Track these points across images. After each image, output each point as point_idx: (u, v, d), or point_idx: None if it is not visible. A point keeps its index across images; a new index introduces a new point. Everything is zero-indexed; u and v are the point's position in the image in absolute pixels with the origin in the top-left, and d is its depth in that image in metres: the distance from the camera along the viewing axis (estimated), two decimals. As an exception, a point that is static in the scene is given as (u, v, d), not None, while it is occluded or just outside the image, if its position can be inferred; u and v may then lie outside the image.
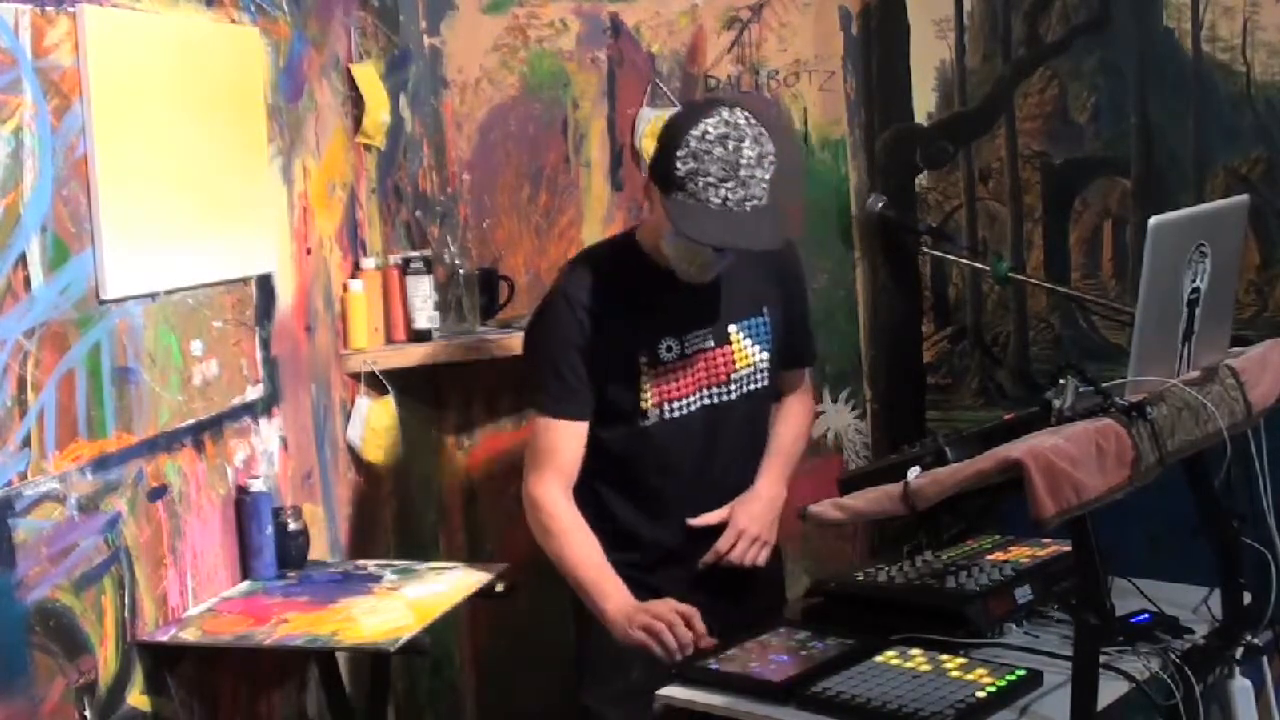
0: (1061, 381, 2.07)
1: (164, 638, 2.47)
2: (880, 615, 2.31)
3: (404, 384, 3.33)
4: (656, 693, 2.22)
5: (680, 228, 2.39)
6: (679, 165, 2.37)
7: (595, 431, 2.60)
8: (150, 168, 2.50)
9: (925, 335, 3.72)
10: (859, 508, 2.13)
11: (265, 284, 2.90)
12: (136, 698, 2.43)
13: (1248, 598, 2.30)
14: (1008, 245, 3.60)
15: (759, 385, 2.67)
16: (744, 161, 2.36)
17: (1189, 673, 2.11)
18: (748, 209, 2.36)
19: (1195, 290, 2.12)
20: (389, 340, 3.32)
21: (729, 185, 2.35)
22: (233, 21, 2.82)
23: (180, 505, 2.58)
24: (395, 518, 3.40)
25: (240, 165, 2.80)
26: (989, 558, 2.50)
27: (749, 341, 2.64)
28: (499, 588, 2.82)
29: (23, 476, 2.17)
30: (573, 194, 3.54)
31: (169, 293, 2.57)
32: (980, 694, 2.02)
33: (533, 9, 3.51)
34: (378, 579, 2.79)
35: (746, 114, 2.41)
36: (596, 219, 3.56)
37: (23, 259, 2.18)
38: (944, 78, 3.65)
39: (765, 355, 2.66)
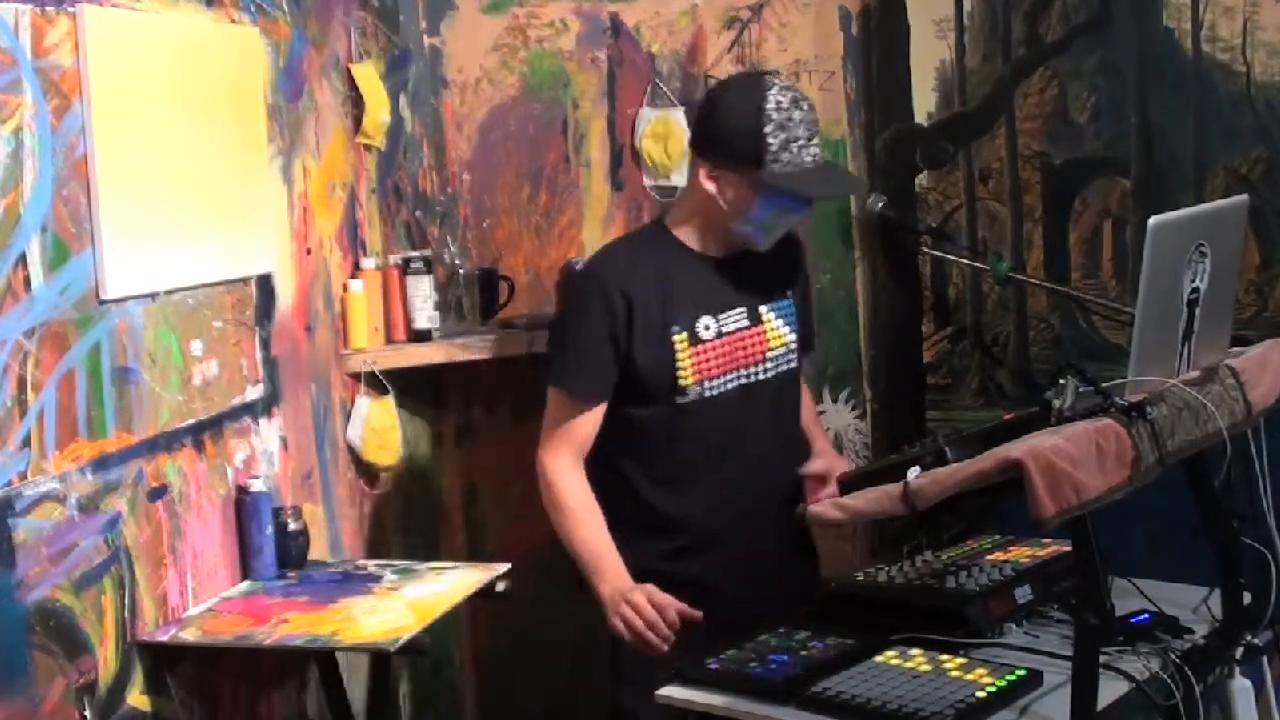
0: (1061, 381, 2.07)
1: (164, 638, 2.47)
2: (880, 615, 2.31)
3: (404, 384, 3.33)
4: (656, 693, 2.22)
5: (803, 190, 2.57)
6: (770, 140, 2.51)
7: (629, 411, 2.64)
8: (150, 168, 2.50)
9: (925, 335, 3.72)
10: (859, 508, 2.14)
11: (265, 284, 2.90)
12: (136, 698, 2.43)
13: (1248, 598, 2.30)
14: (1008, 245, 3.60)
15: (790, 365, 2.74)
16: (816, 119, 2.59)
17: (1189, 673, 2.11)
18: (826, 161, 2.65)
19: (1195, 290, 2.12)
20: (389, 340, 3.32)
21: (815, 143, 2.57)
22: (233, 21, 2.82)
23: (180, 505, 2.58)
24: (395, 518, 3.40)
25: (240, 165, 2.80)
26: (989, 558, 2.50)
27: (780, 322, 2.72)
28: (499, 588, 2.82)
29: (23, 476, 2.17)
30: (573, 194, 3.54)
31: (169, 293, 2.57)
32: (980, 694, 2.03)
33: (533, 9, 3.50)
34: (378, 579, 2.79)
35: (786, 81, 2.63)
36: (596, 219, 3.56)
37: (23, 259, 2.18)
38: (944, 78, 3.65)
39: (793, 336, 2.74)
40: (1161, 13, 3.34)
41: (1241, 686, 2.31)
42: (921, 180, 3.71)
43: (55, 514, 2.25)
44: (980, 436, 2.16)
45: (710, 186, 2.60)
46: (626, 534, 2.62)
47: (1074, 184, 3.53)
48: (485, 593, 2.76)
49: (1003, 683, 2.06)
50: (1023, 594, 2.34)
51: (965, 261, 3.17)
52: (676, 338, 2.61)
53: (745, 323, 2.68)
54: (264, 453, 2.87)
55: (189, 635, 2.48)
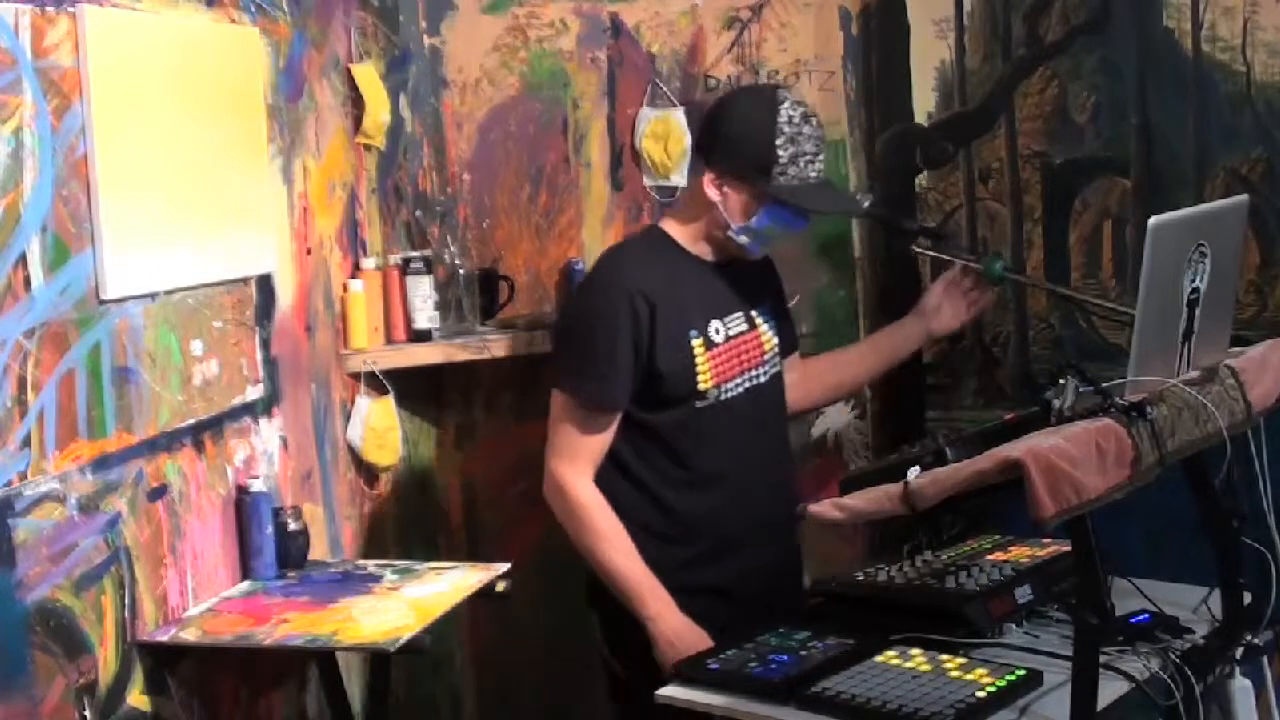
0: (1061, 381, 2.07)
1: (164, 638, 2.47)
2: (880, 615, 2.31)
3: (404, 384, 3.33)
4: (656, 693, 2.22)
5: (807, 204, 2.61)
6: (780, 152, 2.56)
7: (647, 417, 2.62)
8: (150, 168, 2.50)
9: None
10: (859, 508, 2.13)
11: (265, 284, 2.90)
12: (136, 698, 2.43)
13: (1248, 598, 2.30)
14: (1008, 245, 3.60)
15: (779, 368, 2.79)
16: (823, 135, 2.64)
17: (1189, 673, 2.11)
18: (827, 178, 2.67)
19: (1195, 290, 2.12)
20: (389, 340, 3.32)
21: (821, 159, 2.62)
22: (233, 21, 2.82)
23: (180, 505, 2.58)
24: (395, 518, 3.40)
25: (240, 165, 2.80)
26: (989, 558, 2.50)
27: (767, 326, 2.77)
28: (499, 588, 2.82)
29: (23, 476, 2.17)
30: (573, 194, 3.54)
31: (169, 293, 2.57)
32: (980, 694, 2.03)
33: (533, 9, 3.50)
34: (378, 579, 2.79)
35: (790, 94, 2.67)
36: (596, 219, 3.56)
37: (23, 259, 2.18)
38: (944, 78, 3.65)
39: (777, 341, 2.79)
40: (1161, 13, 3.34)
41: (1241, 686, 2.31)
42: (921, 180, 3.71)
43: (55, 514, 2.25)
44: (980, 436, 2.16)
45: (714, 194, 2.62)
46: (643, 541, 2.61)
47: (1074, 184, 3.53)
48: (485, 593, 2.76)
49: (1003, 683, 2.06)
50: (1023, 594, 2.34)
51: (959, 260, 3.13)
52: (695, 341, 2.63)
53: (745, 326, 2.72)
54: (264, 453, 2.87)
55: (189, 635, 2.48)
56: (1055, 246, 3.55)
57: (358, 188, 3.33)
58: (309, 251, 3.10)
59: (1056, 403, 2.05)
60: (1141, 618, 2.26)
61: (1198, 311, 2.13)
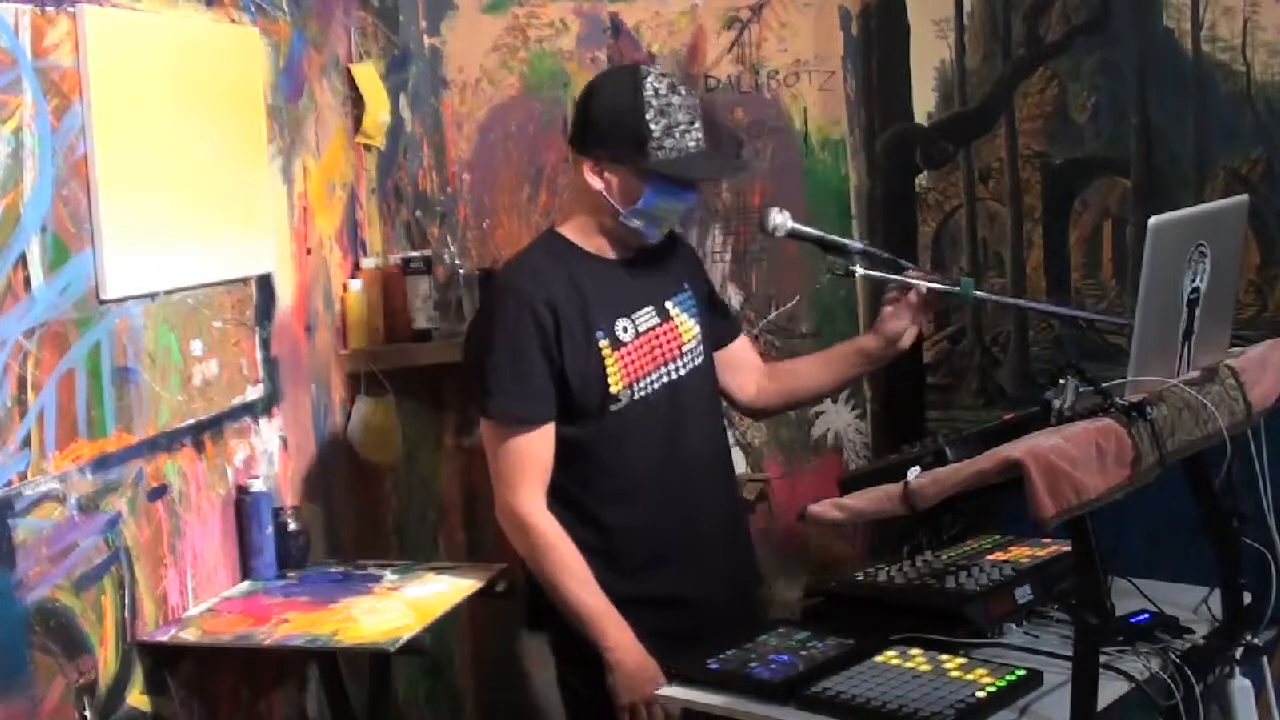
0: (1061, 381, 2.06)
1: (164, 638, 2.47)
2: (880, 615, 2.31)
3: (404, 384, 3.33)
4: (656, 693, 2.22)
5: (687, 174, 2.52)
6: (652, 126, 2.48)
7: (564, 430, 2.53)
8: (150, 168, 2.50)
9: (925, 335, 3.72)
10: (859, 508, 2.13)
11: (265, 284, 2.90)
12: (136, 698, 2.43)
13: (1248, 598, 2.30)
14: (1008, 245, 3.60)
15: (702, 359, 2.69)
16: (696, 103, 2.54)
17: (1189, 673, 2.11)
18: (710, 145, 2.55)
19: (1195, 290, 2.12)
20: (389, 340, 3.32)
21: (697, 126, 2.52)
22: (233, 21, 2.82)
23: (180, 505, 2.58)
24: (395, 518, 3.40)
25: (240, 165, 2.80)
26: (989, 558, 2.50)
27: (685, 315, 2.67)
28: (499, 588, 2.82)
29: (23, 476, 2.17)
30: (573, 194, 3.54)
31: (169, 293, 2.57)
32: (980, 694, 2.02)
33: (533, 9, 3.51)
34: (378, 579, 2.79)
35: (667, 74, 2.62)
36: (596, 219, 3.55)
37: (23, 259, 2.19)
38: (944, 78, 3.65)
39: (699, 329, 2.69)
40: (1161, 13, 3.34)
41: (1241, 686, 2.31)
42: (921, 180, 3.71)
43: (55, 514, 2.25)
44: (980, 436, 2.15)
45: (596, 182, 2.53)
46: (587, 562, 2.52)
47: (1074, 184, 3.53)
48: (485, 593, 2.76)
49: (1003, 683, 2.06)
50: (1023, 594, 2.34)
51: (929, 285, 2.83)
52: (602, 343, 2.53)
53: (656, 320, 2.62)
54: (264, 453, 2.87)
55: (189, 635, 2.48)
56: (1055, 246, 3.55)
57: (358, 188, 3.33)
58: (309, 251, 3.10)
59: (1056, 403, 2.05)
60: (1141, 618, 2.26)
61: (1198, 311, 2.13)
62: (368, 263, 3.30)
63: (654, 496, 2.58)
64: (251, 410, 2.83)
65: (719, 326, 2.78)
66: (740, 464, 3.48)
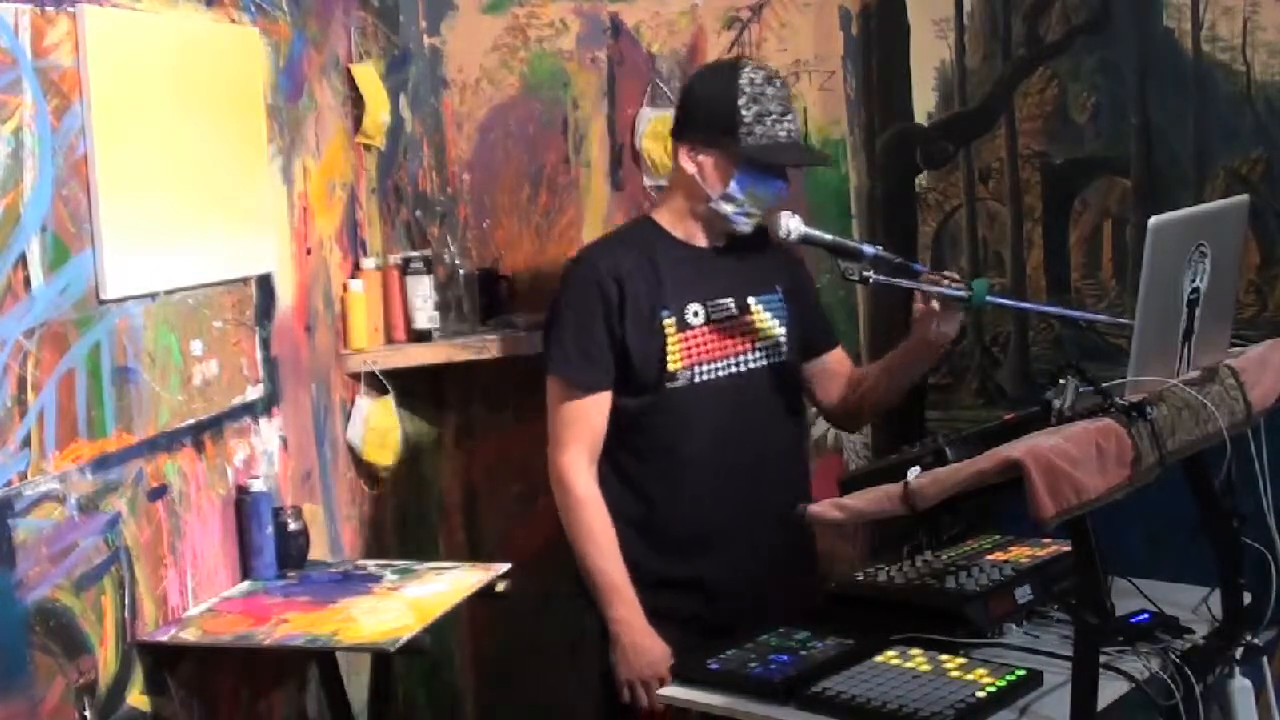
0: (1061, 381, 2.06)
1: (164, 638, 2.47)
2: (880, 615, 2.31)
3: (404, 384, 3.33)
4: (656, 693, 2.22)
5: (776, 160, 2.63)
6: (744, 112, 2.59)
7: (623, 401, 2.64)
8: (150, 168, 2.50)
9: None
10: (859, 508, 2.13)
11: (265, 284, 2.90)
12: (136, 698, 2.43)
13: (1248, 598, 2.30)
14: (1008, 245, 3.60)
15: (781, 359, 2.74)
16: (789, 95, 2.66)
17: (1189, 673, 2.11)
18: (799, 137, 2.68)
19: (1195, 290, 2.12)
20: (389, 340, 3.32)
21: (789, 118, 2.63)
22: (233, 21, 2.82)
23: (180, 505, 2.58)
24: (395, 518, 3.40)
25: (240, 165, 2.80)
26: (989, 558, 2.50)
27: (769, 314, 2.74)
28: (499, 588, 2.82)
29: (23, 476, 2.17)
30: (573, 194, 3.54)
31: (169, 293, 2.57)
32: (980, 694, 2.03)
33: (533, 9, 3.51)
34: (378, 579, 2.79)
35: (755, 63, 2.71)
36: (596, 219, 3.56)
37: (23, 259, 2.18)
38: (944, 78, 3.65)
39: (784, 331, 2.75)
40: (1161, 13, 3.34)
41: (1241, 686, 2.31)
42: (921, 180, 3.71)
43: (55, 514, 2.25)
44: (980, 436, 2.15)
45: (690, 167, 2.66)
46: (627, 532, 2.63)
47: (1074, 184, 3.53)
48: (485, 593, 2.76)
49: (1003, 683, 2.06)
50: (1023, 594, 2.34)
51: (936, 290, 2.79)
52: (666, 322, 2.63)
53: (733, 311, 2.70)
54: (264, 453, 2.87)
55: (189, 635, 2.48)
56: (1055, 246, 3.55)
57: (358, 188, 3.33)
58: (309, 251, 3.10)
59: (1056, 403, 2.05)
60: (1141, 618, 2.26)
61: (1198, 311, 2.13)
62: (368, 263, 3.30)
63: (703, 481, 2.64)
64: (251, 410, 2.83)
65: (814, 336, 2.84)
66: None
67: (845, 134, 3.70)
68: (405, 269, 3.31)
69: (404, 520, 3.42)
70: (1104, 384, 2.06)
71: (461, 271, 3.41)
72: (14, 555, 2.14)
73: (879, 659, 2.18)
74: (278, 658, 2.80)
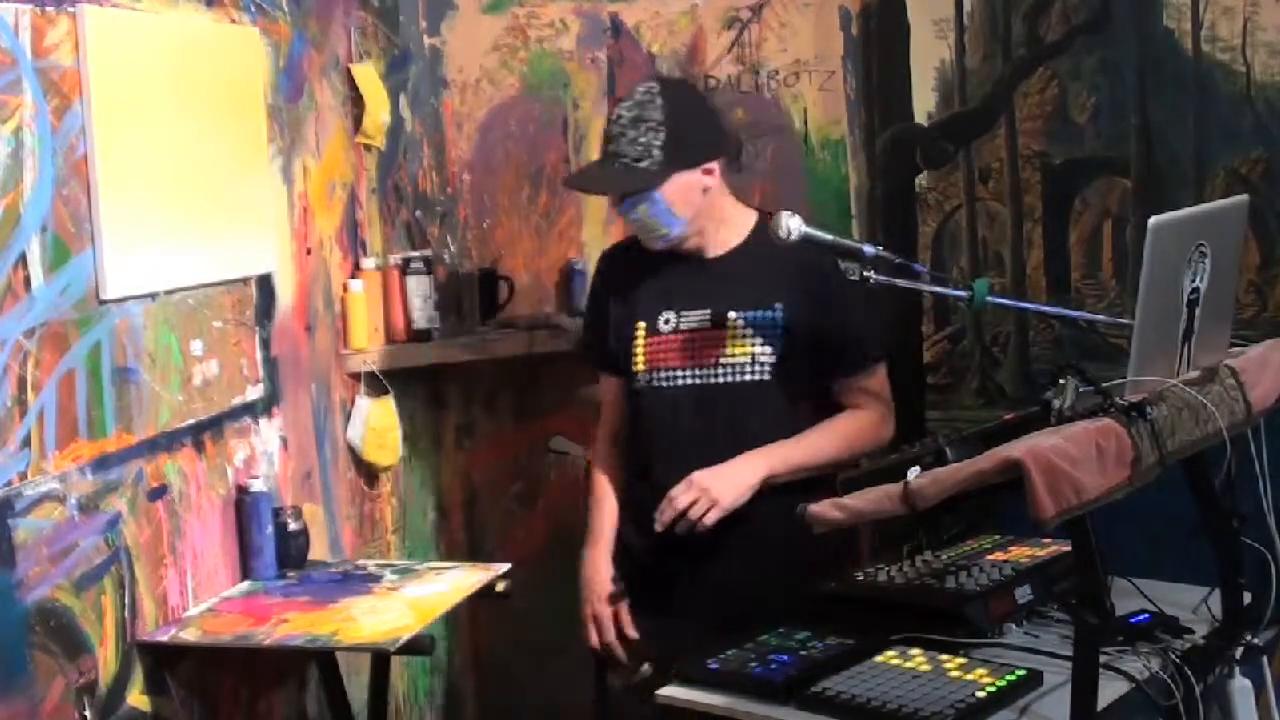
0: (1061, 381, 2.06)
1: (164, 638, 2.47)
2: (880, 615, 2.31)
3: (404, 384, 3.33)
4: (656, 693, 2.22)
5: (569, 183, 2.91)
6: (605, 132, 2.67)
7: (624, 386, 2.78)
8: (150, 168, 2.50)
9: (925, 335, 3.72)
10: (859, 508, 2.13)
11: (265, 284, 2.90)
12: (136, 698, 2.43)
13: (1248, 598, 2.30)
14: (1008, 245, 3.60)
15: (754, 378, 2.64)
16: (620, 122, 2.60)
17: (1189, 673, 2.11)
18: (616, 165, 2.60)
19: (1195, 290, 2.12)
20: (389, 340, 3.32)
21: (610, 144, 2.63)
22: (233, 21, 2.82)
23: (180, 505, 2.58)
24: (395, 518, 3.40)
25: (240, 165, 2.80)
26: (989, 558, 2.50)
27: (749, 331, 2.65)
28: (499, 588, 2.82)
29: (23, 476, 2.17)
30: (572, 194, 3.54)
31: (169, 293, 2.57)
32: (980, 694, 2.02)
33: (533, 9, 3.51)
34: (378, 579, 2.79)
35: (654, 83, 2.66)
36: (596, 219, 3.56)
37: (23, 259, 2.18)
38: (944, 78, 3.65)
39: (768, 350, 2.64)
40: (1161, 13, 3.34)
41: (1241, 686, 2.31)
42: (921, 180, 3.71)
43: (55, 514, 2.25)
44: (980, 436, 2.15)
45: None
46: (625, 511, 2.78)
47: (1074, 184, 3.53)
48: (485, 593, 2.76)
49: (1003, 683, 2.06)
50: (1023, 594, 2.34)
51: (931, 290, 2.76)
52: (639, 325, 2.71)
53: (704, 323, 2.67)
54: (264, 453, 2.87)
55: (189, 635, 2.48)
56: (1055, 246, 3.55)
57: (358, 188, 3.33)
58: (309, 251, 3.10)
59: (1056, 403, 2.05)
60: (1141, 618, 2.26)
61: (1198, 311, 2.13)
62: (368, 263, 3.30)
63: (667, 484, 2.63)
64: (251, 410, 2.83)
65: (831, 357, 2.67)
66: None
67: (845, 134, 3.70)
68: (405, 269, 3.31)
69: (404, 520, 3.42)
70: (1104, 384, 2.06)
71: (461, 271, 3.41)
72: (14, 555, 2.14)
73: (879, 659, 2.18)
74: (278, 658, 2.80)
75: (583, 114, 3.54)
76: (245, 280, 2.82)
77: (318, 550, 2.98)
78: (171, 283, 2.57)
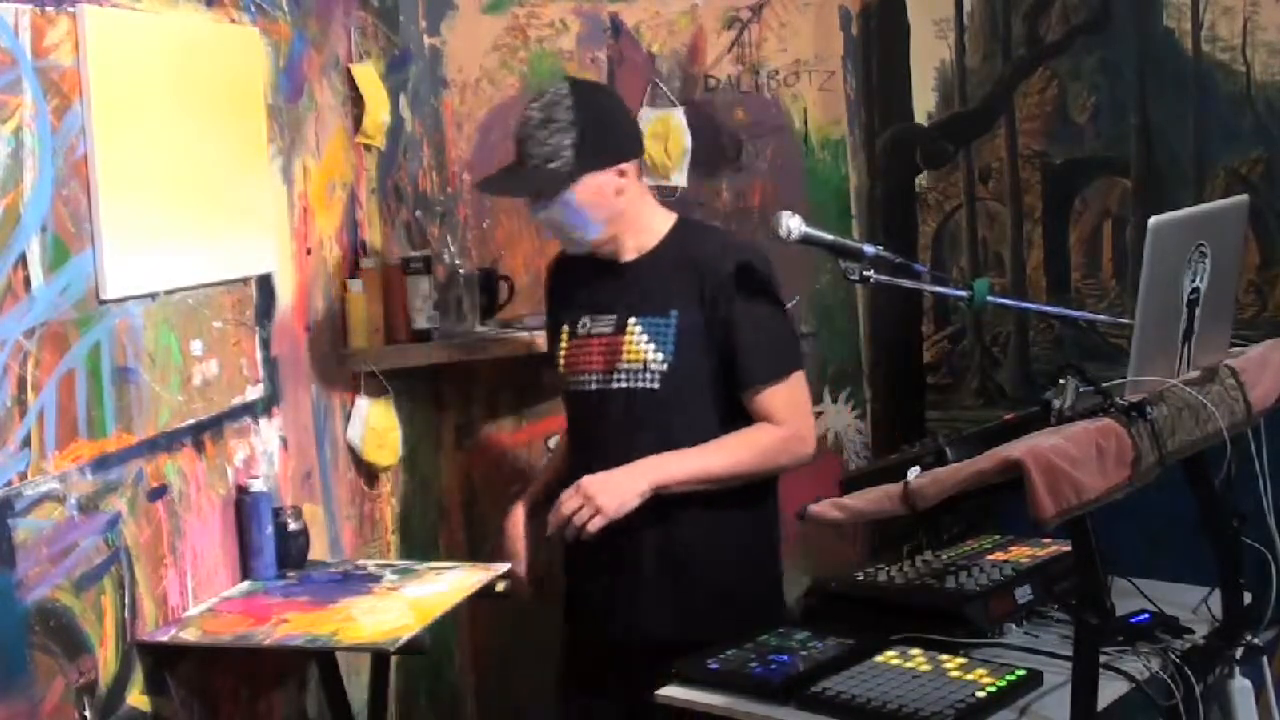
0: (1061, 381, 2.06)
1: (164, 638, 2.47)
2: (880, 615, 2.31)
3: (404, 384, 3.33)
4: (656, 693, 2.22)
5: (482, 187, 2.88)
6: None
7: None
8: (150, 168, 2.50)
9: (925, 335, 3.73)
10: (859, 508, 2.13)
11: (265, 284, 2.90)
12: (136, 698, 2.43)
13: (1248, 598, 2.30)
14: (1008, 245, 3.60)
15: (646, 385, 2.61)
16: (530, 124, 2.59)
17: (1189, 673, 2.11)
18: (527, 167, 2.59)
19: (1195, 290, 2.12)
20: (389, 340, 3.32)
21: (520, 146, 2.61)
22: (233, 21, 2.82)
23: (180, 505, 2.58)
24: (395, 518, 3.40)
25: (240, 165, 2.80)
26: (989, 558, 2.50)
27: (645, 338, 2.62)
28: (499, 588, 2.82)
29: (23, 476, 2.17)
30: (573, 194, 3.53)
31: (169, 293, 2.57)
32: (980, 694, 2.03)
33: (533, 9, 3.51)
34: (378, 579, 2.79)
35: (564, 83, 2.64)
36: (596, 219, 3.55)
37: (23, 259, 2.18)
38: (944, 78, 3.65)
39: (662, 358, 2.59)
40: (1161, 13, 3.35)
41: (1241, 686, 2.31)
42: (921, 180, 3.72)
43: (55, 514, 2.25)
44: (980, 436, 2.15)
45: None
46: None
47: (1074, 184, 3.53)
48: (485, 593, 2.76)
49: (1003, 683, 2.06)
50: (1023, 594, 2.34)
51: (930, 289, 2.76)
52: (564, 328, 2.75)
53: (610, 329, 2.67)
54: (264, 453, 2.87)
55: (189, 635, 2.48)
56: (1055, 246, 3.55)
57: (358, 188, 3.33)
58: (309, 251, 3.10)
59: (1056, 403, 2.05)
60: (1141, 618, 2.26)
61: (1198, 311, 2.13)
62: (368, 263, 3.30)
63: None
64: (251, 410, 2.83)
65: (733, 369, 2.59)
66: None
67: (845, 134, 3.70)
68: (405, 269, 3.31)
69: (404, 520, 3.42)
70: (1104, 384, 2.06)
71: (461, 271, 3.41)
72: (14, 555, 2.14)
73: (879, 659, 2.18)
74: (278, 658, 2.80)
75: (583, 114, 3.54)
76: (245, 280, 2.82)
77: (318, 550, 2.98)
78: (171, 283, 2.57)
